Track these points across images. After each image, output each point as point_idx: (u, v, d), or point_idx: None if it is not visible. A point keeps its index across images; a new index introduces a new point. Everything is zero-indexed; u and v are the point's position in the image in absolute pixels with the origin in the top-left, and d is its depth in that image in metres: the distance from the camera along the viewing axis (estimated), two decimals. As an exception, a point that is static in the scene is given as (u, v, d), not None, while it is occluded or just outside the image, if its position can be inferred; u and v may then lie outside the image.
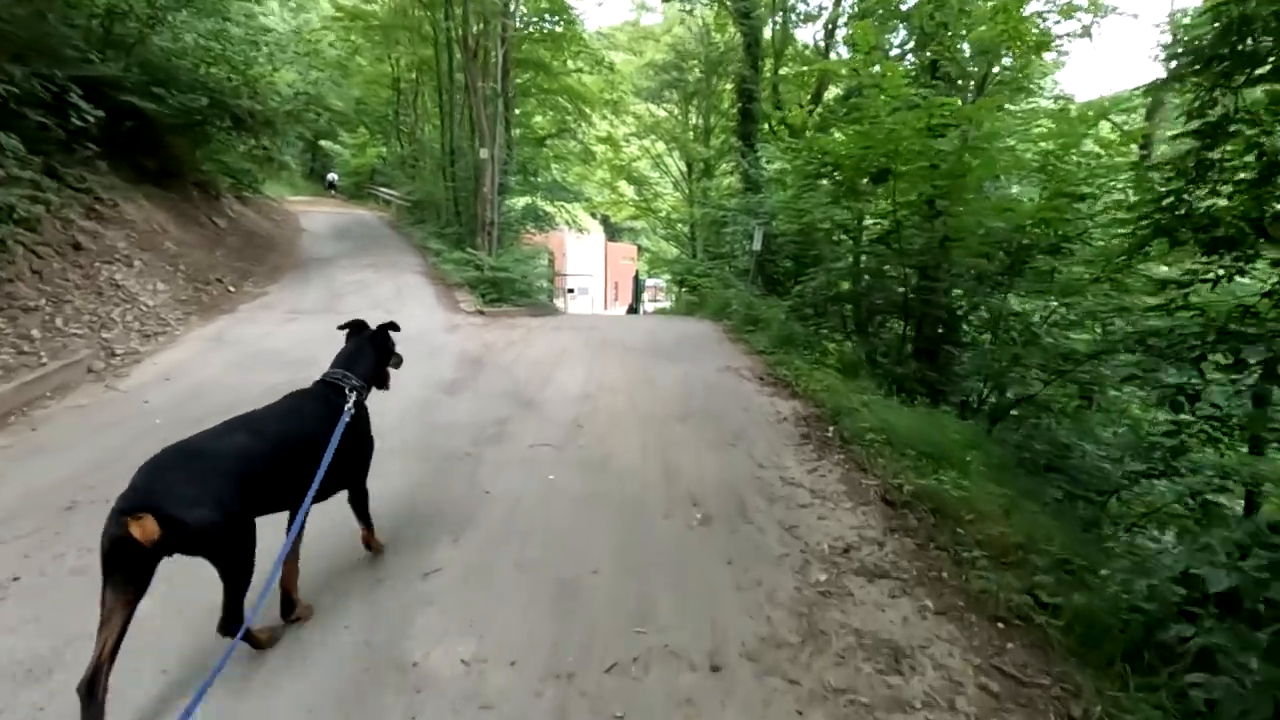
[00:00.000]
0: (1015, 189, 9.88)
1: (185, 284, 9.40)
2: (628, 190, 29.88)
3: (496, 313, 11.17)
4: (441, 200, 17.71)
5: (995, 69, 10.64)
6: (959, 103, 8.33)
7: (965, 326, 9.80)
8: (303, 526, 2.53)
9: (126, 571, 2.01)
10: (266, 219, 17.19)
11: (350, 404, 2.71)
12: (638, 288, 30.42)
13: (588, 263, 37.15)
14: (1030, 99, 14.27)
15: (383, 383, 3.15)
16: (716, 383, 7.00)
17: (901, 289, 9.81)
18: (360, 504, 3.05)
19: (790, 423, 5.68)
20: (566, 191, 19.13)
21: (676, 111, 26.70)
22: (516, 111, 19.60)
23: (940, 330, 9.61)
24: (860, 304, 9.81)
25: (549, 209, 18.25)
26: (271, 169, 22.24)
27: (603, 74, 19.81)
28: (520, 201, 17.87)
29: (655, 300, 37.76)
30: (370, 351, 3.02)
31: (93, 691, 2.00)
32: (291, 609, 2.68)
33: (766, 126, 18.65)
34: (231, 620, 2.22)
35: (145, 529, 1.92)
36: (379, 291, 11.45)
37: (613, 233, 44.00)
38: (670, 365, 7.62)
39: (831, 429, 5.43)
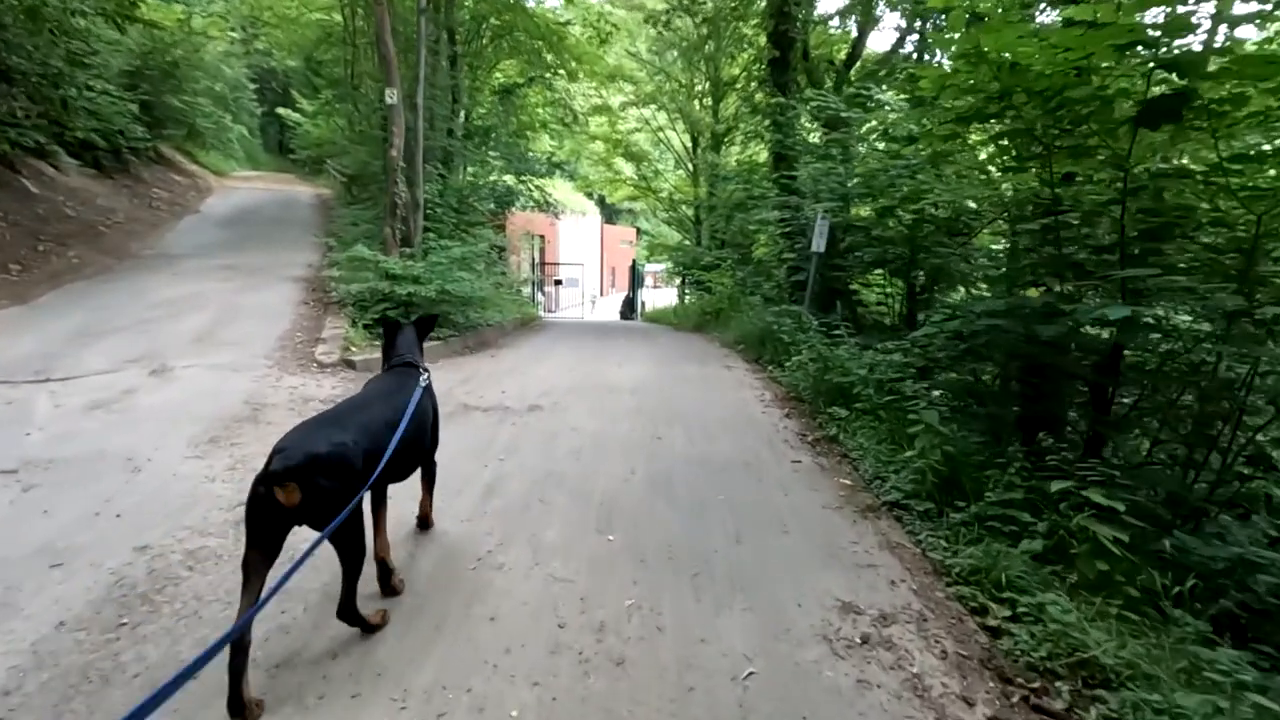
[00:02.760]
0: None
1: None
2: (625, 167, 24.50)
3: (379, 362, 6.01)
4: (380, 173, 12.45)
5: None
6: None
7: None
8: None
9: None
10: (135, 195, 11.93)
11: (425, 377, 2.75)
12: (635, 279, 25.18)
13: (583, 248, 31.88)
14: None
15: None
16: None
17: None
18: (431, 477, 2.98)
19: None
20: (538, 164, 13.74)
21: (679, 66, 21.13)
22: (489, 72, 14.20)
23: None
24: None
25: (513, 184, 12.90)
26: (181, 134, 16.91)
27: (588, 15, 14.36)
28: (491, 177, 12.62)
29: (656, 287, 32.56)
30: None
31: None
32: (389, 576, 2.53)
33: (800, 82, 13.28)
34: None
35: (290, 495, 1.91)
36: (188, 323, 6.28)
37: (610, 215, 38.52)
38: (696, 602, 2.58)
39: None
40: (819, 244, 7.29)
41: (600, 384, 6.00)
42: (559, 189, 30.05)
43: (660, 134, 23.04)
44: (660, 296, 26.52)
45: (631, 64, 22.57)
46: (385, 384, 2.68)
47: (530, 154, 14.75)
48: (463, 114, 11.43)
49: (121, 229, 9.78)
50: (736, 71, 16.40)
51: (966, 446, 3.83)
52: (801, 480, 3.90)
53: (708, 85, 21.22)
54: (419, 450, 2.66)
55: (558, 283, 24.52)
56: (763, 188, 10.64)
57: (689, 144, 22.47)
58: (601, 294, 34.08)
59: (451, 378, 5.83)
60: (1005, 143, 4.97)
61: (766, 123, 12.80)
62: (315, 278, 8.37)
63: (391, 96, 8.02)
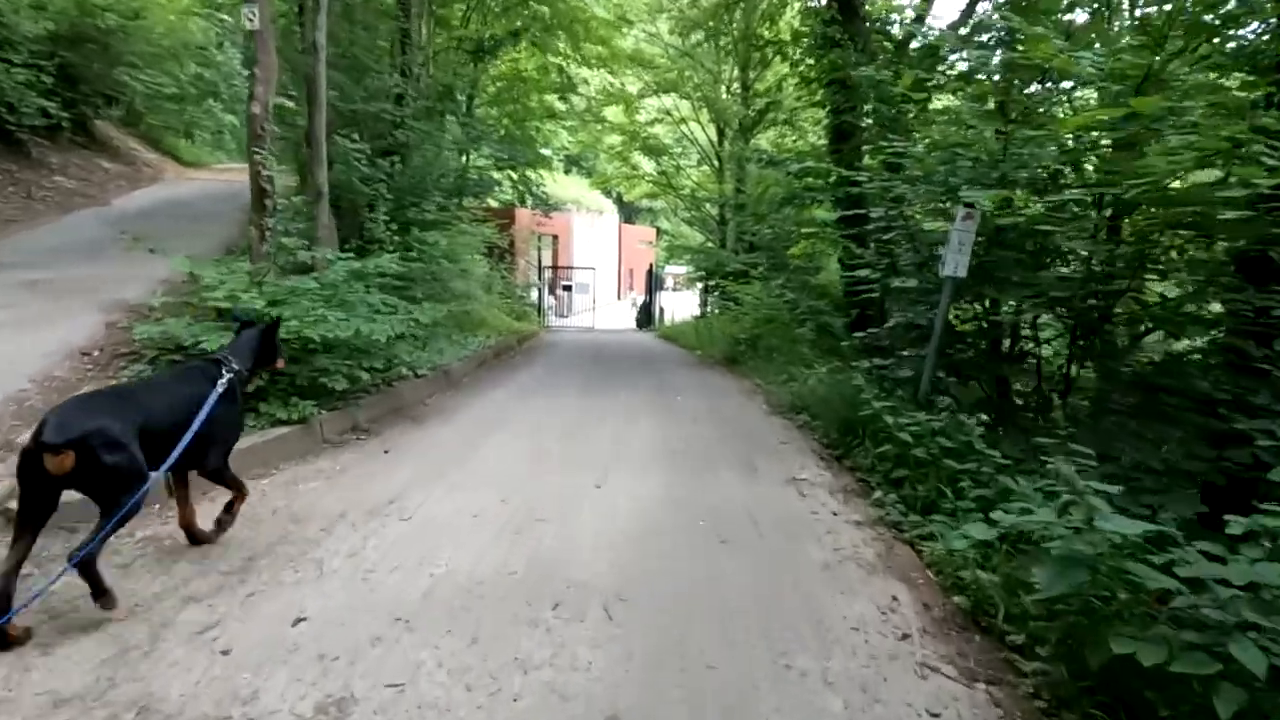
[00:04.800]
0: None
1: None
2: (644, 163, 21.17)
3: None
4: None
5: None
6: None
7: None
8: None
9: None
10: (14, 183, 8.93)
11: (225, 379, 2.57)
12: (652, 284, 21.85)
13: (599, 248, 28.66)
14: None
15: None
16: None
17: None
18: (220, 478, 2.71)
19: None
20: (526, 150, 10.43)
21: (704, 48, 17.71)
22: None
23: None
24: None
25: (494, 173, 9.66)
26: (119, 114, 13.92)
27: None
28: (451, 159, 9.36)
29: (676, 289, 29.17)
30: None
31: None
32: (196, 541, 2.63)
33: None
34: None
35: (61, 463, 1.93)
36: None
37: (629, 214, 35.15)
38: None
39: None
40: (957, 264, 3.91)
41: (547, 564, 2.70)
42: (572, 186, 26.83)
43: (682, 125, 19.65)
44: (681, 300, 23.11)
45: (652, 49, 19.24)
46: (174, 372, 2.87)
47: (520, 140, 11.46)
48: (424, 83, 8.13)
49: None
50: (779, 35, 12.77)
51: None
52: None
53: (737, 68, 17.84)
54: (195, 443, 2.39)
55: (566, 288, 21.39)
56: (824, 176, 7.26)
57: (714, 136, 19.11)
58: (619, 297, 30.83)
59: (211, 569, 2.61)
60: None
61: (820, 93, 9.41)
62: (148, 306, 5.21)
63: (251, 18, 4.76)
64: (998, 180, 3.98)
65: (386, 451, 4.04)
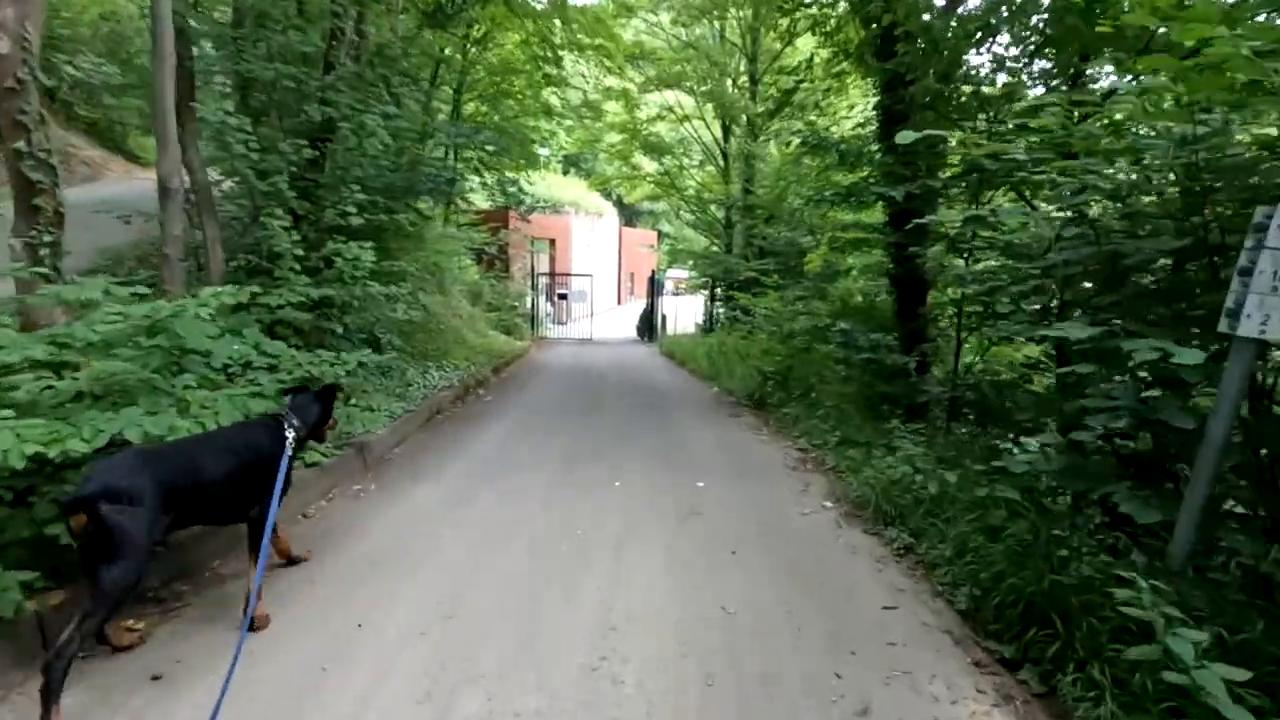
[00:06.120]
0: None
1: None
2: (645, 163, 19.22)
3: None
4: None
5: None
6: None
7: None
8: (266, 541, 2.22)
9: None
10: None
11: (291, 440, 2.47)
12: (654, 289, 19.80)
13: (599, 252, 26.70)
14: None
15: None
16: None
17: None
18: (256, 541, 2.43)
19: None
20: (507, 139, 8.39)
21: (708, 32, 15.78)
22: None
23: None
24: None
25: (459, 166, 7.64)
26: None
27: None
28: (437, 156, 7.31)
29: (678, 292, 27.12)
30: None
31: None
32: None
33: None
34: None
35: (77, 522, 1.88)
36: None
37: (630, 217, 33.11)
38: None
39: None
40: (1267, 316, 1.93)
41: None
42: (570, 187, 24.82)
43: (686, 123, 17.70)
44: (684, 305, 21.12)
45: (654, 40, 17.34)
46: (234, 427, 2.58)
47: (506, 131, 9.43)
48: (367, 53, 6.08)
49: None
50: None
51: None
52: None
53: (745, 60, 15.89)
54: (239, 498, 2.35)
55: (562, 297, 19.51)
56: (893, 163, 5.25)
57: (719, 134, 17.16)
58: (620, 302, 28.86)
59: None
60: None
61: (859, 69, 7.45)
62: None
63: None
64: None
65: (155, 679, 2.03)
